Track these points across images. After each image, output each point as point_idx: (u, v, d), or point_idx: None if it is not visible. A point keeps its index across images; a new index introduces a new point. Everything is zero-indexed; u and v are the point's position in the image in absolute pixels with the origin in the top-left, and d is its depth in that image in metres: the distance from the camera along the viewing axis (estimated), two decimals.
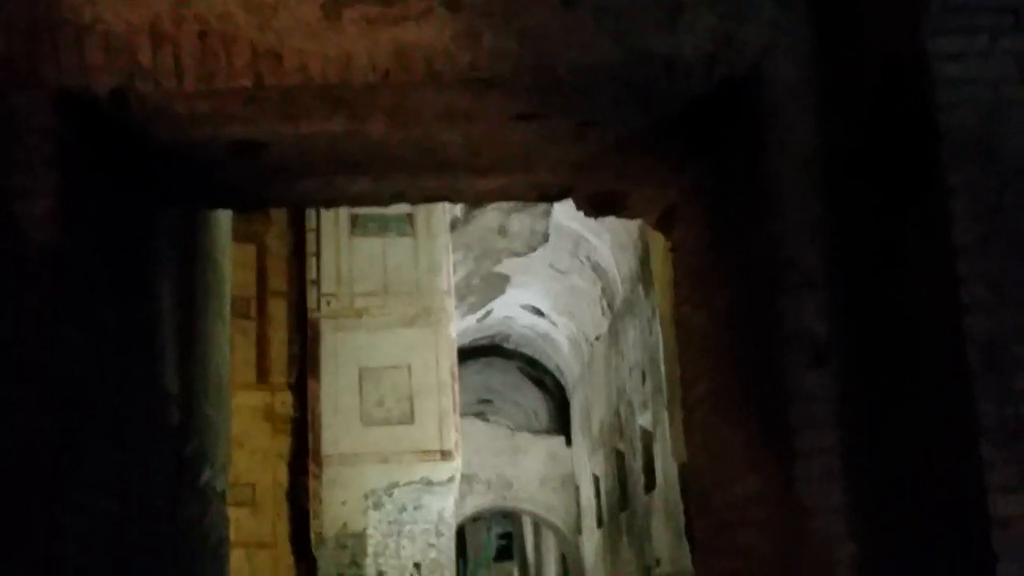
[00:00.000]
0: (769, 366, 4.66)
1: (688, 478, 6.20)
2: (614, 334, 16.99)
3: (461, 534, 35.75)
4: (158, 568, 5.12)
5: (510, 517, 36.85)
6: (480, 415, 24.09)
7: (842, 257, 4.54)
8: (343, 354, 11.35)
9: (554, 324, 20.67)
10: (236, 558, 10.84)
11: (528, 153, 5.16)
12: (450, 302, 11.64)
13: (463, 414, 22.10)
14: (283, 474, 11.60)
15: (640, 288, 14.68)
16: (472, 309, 20.27)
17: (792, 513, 4.45)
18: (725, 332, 5.24)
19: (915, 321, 4.27)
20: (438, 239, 11.71)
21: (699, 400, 5.61)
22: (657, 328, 12.95)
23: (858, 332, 4.51)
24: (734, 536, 5.14)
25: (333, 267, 11.52)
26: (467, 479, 20.88)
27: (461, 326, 20.16)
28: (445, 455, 11.22)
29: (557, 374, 22.90)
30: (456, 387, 11.44)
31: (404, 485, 11.16)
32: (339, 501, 11.07)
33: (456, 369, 11.51)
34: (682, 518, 10.62)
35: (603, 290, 17.27)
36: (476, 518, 33.08)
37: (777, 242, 4.58)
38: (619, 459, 17.15)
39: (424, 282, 11.57)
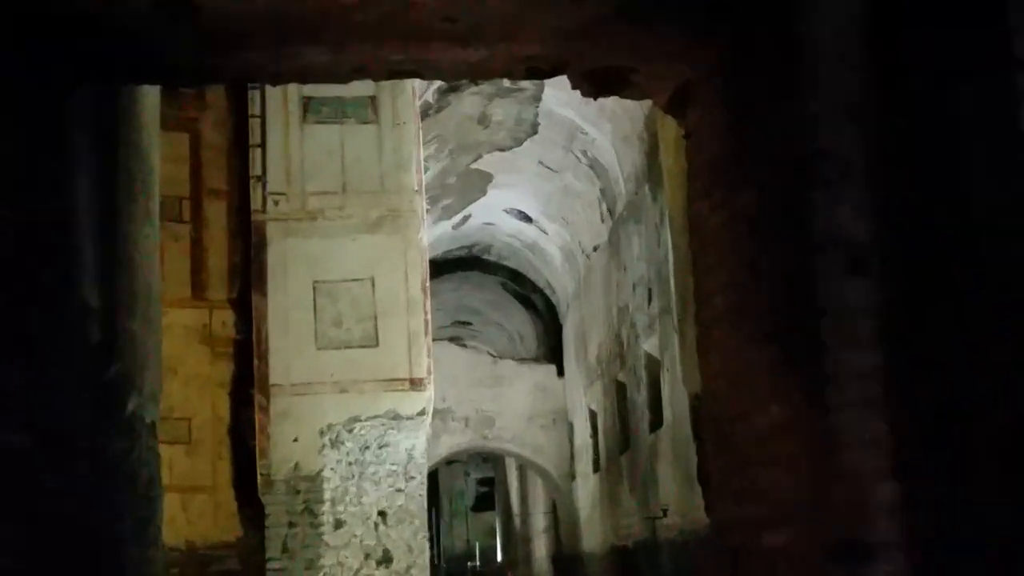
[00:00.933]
0: (799, 274, 4.67)
1: (702, 410, 6.24)
2: (615, 244, 17.01)
3: (434, 479, 36.17)
4: (77, 512, 5.14)
5: (491, 460, 37.23)
6: (456, 339, 24.17)
7: (886, 144, 4.52)
8: (294, 264, 11.31)
9: (544, 232, 20.67)
10: (169, 504, 10.89)
11: (514, 18, 5.10)
12: (421, 203, 11.59)
13: (436, 338, 22.21)
14: (224, 406, 11.64)
15: (647, 188, 14.66)
16: (447, 213, 20.26)
17: (824, 447, 4.49)
18: (748, 235, 5.24)
19: (973, 222, 4.26)
20: (406, 128, 11.62)
21: (716, 317, 5.62)
22: (667, 236, 12.96)
23: (904, 234, 4.51)
24: (755, 476, 5.19)
25: (281, 161, 11.44)
26: (441, 415, 21.01)
27: (434, 234, 20.13)
28: (415, 384, 11.25)
29: (547, 291, 22.96)
30: (428, 304, 11.44)
31: (367, 420, 11.21)
32: (290, 438, 11.12)
33: (428, 283, 11.51)
34: (693, 460, 10.72)
35: (602, 191, 17.26)
36: (451, 460, 33.40)
37: (809, 125, 4.57)
38: (620, 391, 17.25)
39: (390, 179, 11.50)
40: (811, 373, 4.57)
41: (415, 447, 11.40)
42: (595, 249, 18.62)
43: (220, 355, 11.74)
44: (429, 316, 11.48)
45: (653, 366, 14.99)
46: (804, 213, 4.63)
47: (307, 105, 11.56)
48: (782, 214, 4.87)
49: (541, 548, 27.63)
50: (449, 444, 21.68)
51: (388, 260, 11.37)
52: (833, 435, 4.43)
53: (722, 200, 5.54)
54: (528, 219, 20.62)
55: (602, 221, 17.80)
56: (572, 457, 21.80)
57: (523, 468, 28.20)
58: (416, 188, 11.54)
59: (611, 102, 14.50)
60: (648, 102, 6.22)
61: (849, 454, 4.41)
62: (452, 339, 23.93)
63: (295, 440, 11.11)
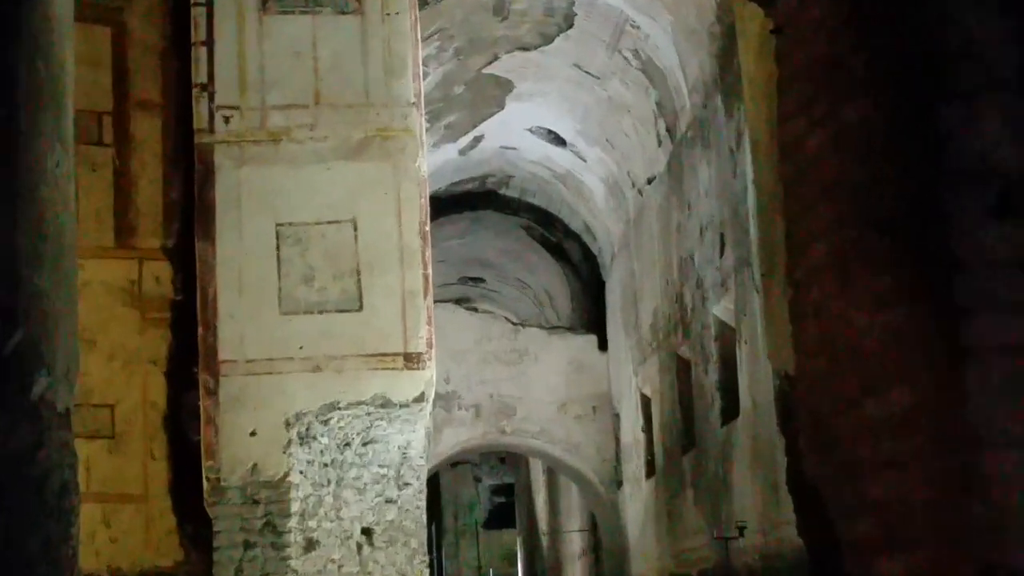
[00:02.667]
0: (928, 215, 4.66)
1: (794, 396, 6.22)
2: (676, 174, 17.00)
3: (434, 486, 36.30)
4: None
5: (511, 461, 37.34)
6: (463, 301, 24.17)
7: None
8: (251, 202, 11.30)
9: (581, 158, 20.64)
10: (88, 517, 10.89)
11: None
12: (419, 119, 11.56)
13: (437, 299, 22.20)
14: (158, 389, 11.65)
15: (719, 100, 14.64)
16: (451, 134, 20.24)
17: (960, 445, 4.49)
18: (860, 162, 5.23)
19: None
20: (399, 19, 11.56)
21: (816, 272, 5.61)
22: (746, 163, 12.93)
23: None
24: (867, 484, 5.19)
25: (234, 64, 11.39)
26: (443, 401, 21.07)
27: (435, 161, 20.09)
28: (411, 361, 11.25)
29: (586, 237, 22.94)
30: (429, 254, 11.44)
31: (347, 407, 11.21)
32: (246, 431, 11.13)
33: (428, 227, 11.50)
34: (780, 461, 10.69)
35: (659, 104, 17.24)
36: (457, 462, 33.53)
37: (941, 14, 4.55)
38: (682, 371, 17.27)
39: (377, 88, 11.45)
40: (942, 345, 4.55)
41: (411, 444, 11.41)
42: (649, 181, 18.60)
43: (153, 322, 11.74)
44: (430, 270, 11.47)
45: (726, 336, 15.00)
46: (935, 133, 4.61)
47: None
48: (906, 134, 4.86)
49: None
50: (454, 440, 21.77)
51: (375, 196, 11.35)
52: (973, 429, 4.42)
53: (826, 116, 5.52)
54: (560, 141, 20.58)
55: (659, 144, 17.78)
56: (618, 458, 21.92)
57: (553, 472, 28.29)
58: (412, 100, 11.50)
59: None
60: None
61: (995, 455, 4.39)
62: (458, 301, 23.95)
63: (252, 434, 11.13)
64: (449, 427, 21.45)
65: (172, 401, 11.63)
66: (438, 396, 20.32)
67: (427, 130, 18.22)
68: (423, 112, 11.93)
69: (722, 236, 14.72)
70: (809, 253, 5.70)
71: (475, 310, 22.78)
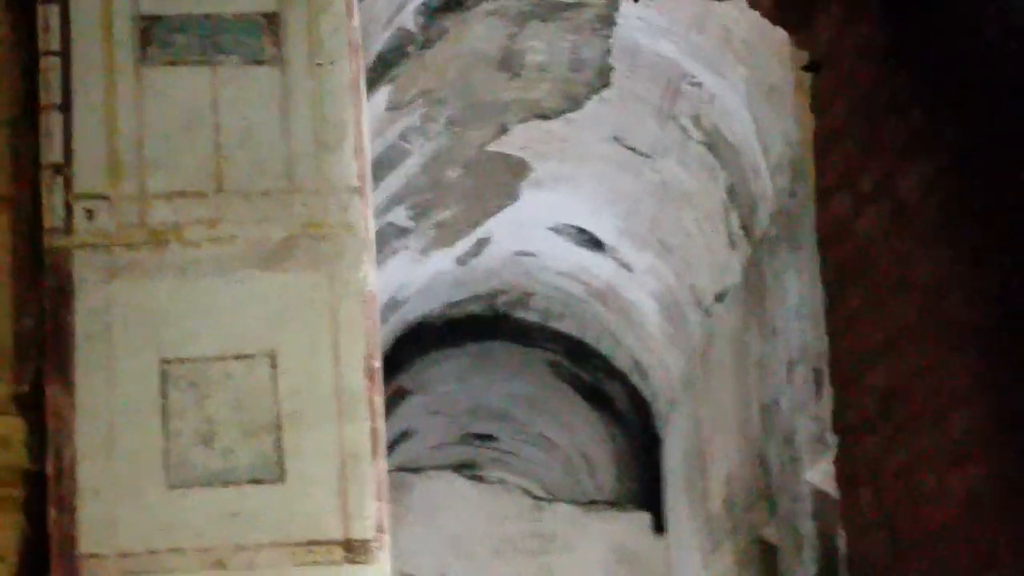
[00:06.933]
0: (1016, 324, 4.65)
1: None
2: (756, 287, 17.01)
3: None
4: None
5: None
6: (466, 468, 24.25)
7: None
8: (126, 329, 11.19)
9: (626, 267, 20.76)
10: None
11: None
12: (365, 211, 11.51)
13: (434, 465, 22.17)
14: None
15: (811, 183, 14.64)
16: (446, 237, 20.33)
17: None
18: (925, 248, 5.24)
19: None
20: (335, 69, 11.46)
21: (866, 411, 5.57)
22: None
23: None
24: None
25: (100, 136, 11.39)
26: None
27: (422, 274, 20.20)
28: (355, 552, 11.03)
29: (635, 378, 23.06)
30: (379, 401, 11.36)
31: None
32: None
33: (379, 362, 11.39)
34: None
35: (731, 191, 17.30)
36: None
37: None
38: (766, 559, 17.22)
39: (305, 168, 11.30)
40: None
41: None
42: (719, 299, 18.66)
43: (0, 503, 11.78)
44: (381, 423, 11.40)
45: (826, 512, 14.93)
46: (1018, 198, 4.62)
47: (148, 31, 11.50)
48: (984, 211, 4.88)
49: None
50: None
51: (302, 320, 11.30)
52: None
53: (878, 185, 5.55)
54: (597, 245, 20.73)
55: (732, 246, 17.83)
56: None
57: None
58: (355, 183, 11.47)
59: (744, 28, 14.48)
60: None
61: None
62: (459, 467, 24.04)
63: None
64: None
65: None
66: None
67: (411, 231, 18.35)
68: (369, 197, 11.94)
69: (817, 373, 14.68)
70: (858, 386, 5.68)
71: (480, 480, 22.97)
